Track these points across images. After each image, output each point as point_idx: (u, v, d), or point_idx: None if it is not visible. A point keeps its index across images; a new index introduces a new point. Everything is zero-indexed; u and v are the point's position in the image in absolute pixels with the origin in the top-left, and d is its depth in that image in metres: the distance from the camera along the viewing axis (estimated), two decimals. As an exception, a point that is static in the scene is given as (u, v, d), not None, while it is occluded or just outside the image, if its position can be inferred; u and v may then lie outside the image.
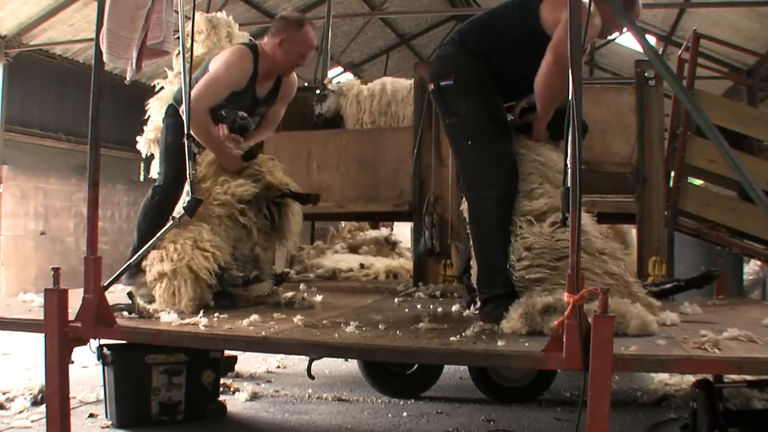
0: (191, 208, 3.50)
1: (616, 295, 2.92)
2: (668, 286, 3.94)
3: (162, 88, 5.33)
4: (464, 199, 3.42)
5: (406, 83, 5.63)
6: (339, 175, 5.11)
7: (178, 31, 3.55)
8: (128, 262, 3.41)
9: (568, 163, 2.61)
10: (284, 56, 3.99)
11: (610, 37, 12.79)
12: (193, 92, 3.72)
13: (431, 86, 3.43)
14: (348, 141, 5.17)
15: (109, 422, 3.91)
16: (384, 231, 7.64)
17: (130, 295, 3.43)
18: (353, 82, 5.96)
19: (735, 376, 3.57)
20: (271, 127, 4.34)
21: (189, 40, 5.07)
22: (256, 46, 4.05)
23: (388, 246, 7.21)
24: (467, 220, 3.40)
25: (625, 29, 3.36)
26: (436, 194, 4.88)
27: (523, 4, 3.34)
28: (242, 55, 3.94)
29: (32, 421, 3.92)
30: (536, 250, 3.09)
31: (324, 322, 3.25)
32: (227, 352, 4.38)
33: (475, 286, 3.39)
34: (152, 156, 5.20)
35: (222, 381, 4.42)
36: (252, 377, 5.38)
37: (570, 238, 2.54)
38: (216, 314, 3.35)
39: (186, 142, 3.54)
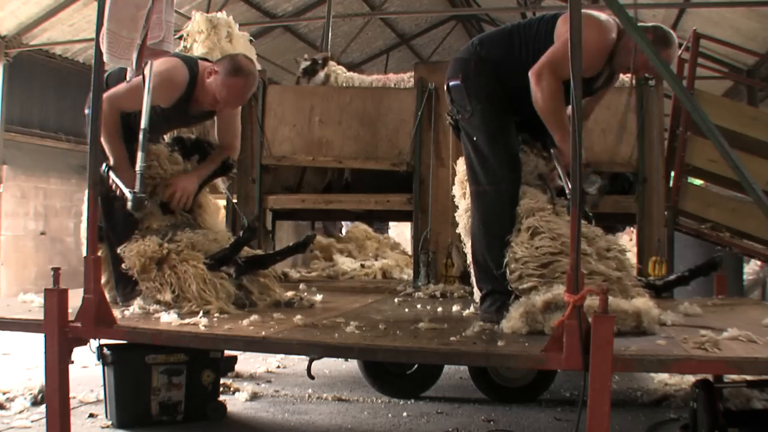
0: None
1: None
2: (672, 278, 3.92)
3: None
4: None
5: (368, 79, 5.80)
6: (340, 131, 5.10)
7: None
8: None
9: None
10: (207, 87, 3.77)
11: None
12: (113, 90, 3.63)
13: (444, 86, 3.56)
14: (351, 98, 5.16)
15: (109, 422, 3.91)
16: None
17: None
18: (339, 69, 5.96)
19: (735, 376, 3.58)
20: (232, 149, 4.12)
21: (188, 40, 5.14)
22: (196, 67, 3.81)
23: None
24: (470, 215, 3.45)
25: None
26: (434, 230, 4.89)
27: (545, 21, 3.35)
28: (173, 76, 3.70)
29: (32, 421, 3.92)
30: (521, 260, 3.11)
31: (324, 322, 3.25)
32: (227, 352, 4.37)
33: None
34: None
35: (222, 381, 4.42)
36: (252, 377, 5.38)
37: (570, 238, 2.55)
38: (216, 314, 3.36)
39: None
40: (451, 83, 3.47)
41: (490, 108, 3.34)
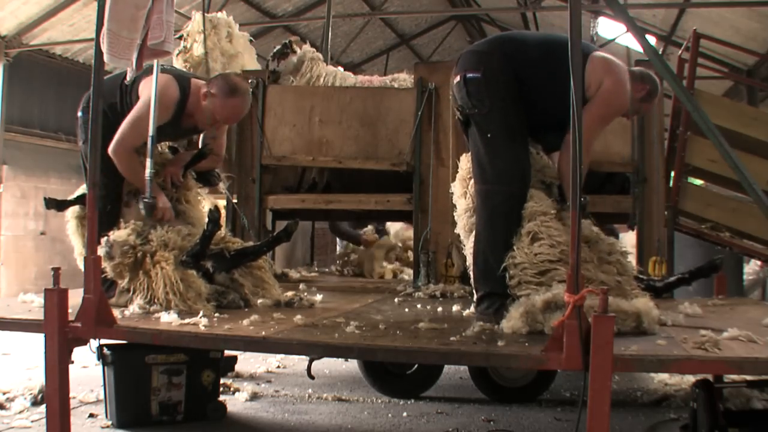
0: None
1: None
2: (673, 279, 3.93)
3: None
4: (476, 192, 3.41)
5: (353, 79, 5.72)
6: (340, 131, 5.09)
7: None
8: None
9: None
10: (204, 109, 3.84)
11: (609, 37, 12.84)
12: (119, 134, 3.73)
13: (457, 78, 3.38)
14: (352, 98, 5.15)
15: (109, 422, 3.91)
16: None
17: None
18: (317, 60, 5.77)
19: (735, 376, 3.58)
20: (218, 158, 4.30)
21: (188, 40, 5.15)
22: (187, 84, 3.88)
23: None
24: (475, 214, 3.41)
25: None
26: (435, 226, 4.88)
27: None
28: (163, 97, 3.72)
29: (32, 421, 3.93)
30: (520, 265, 3.09)
31: (324, 322, 3.25)
32: (227, 352, 4.38)
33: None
34: None
35: (222, 381, 4.42)
36: (252, 377, 5.38)
37: (570, 238, 2.55)
38: (216, 314, 3.36)
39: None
40: (469, 75, 3.31)
41: (512, 104, 3.28)
